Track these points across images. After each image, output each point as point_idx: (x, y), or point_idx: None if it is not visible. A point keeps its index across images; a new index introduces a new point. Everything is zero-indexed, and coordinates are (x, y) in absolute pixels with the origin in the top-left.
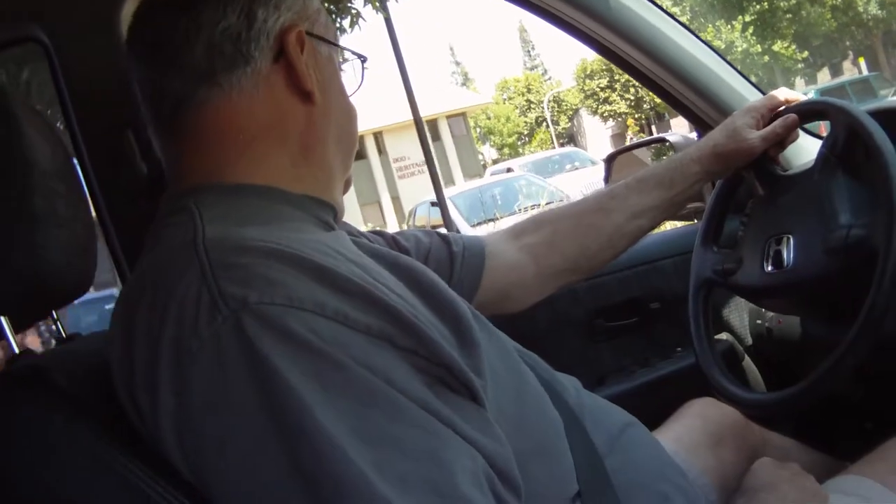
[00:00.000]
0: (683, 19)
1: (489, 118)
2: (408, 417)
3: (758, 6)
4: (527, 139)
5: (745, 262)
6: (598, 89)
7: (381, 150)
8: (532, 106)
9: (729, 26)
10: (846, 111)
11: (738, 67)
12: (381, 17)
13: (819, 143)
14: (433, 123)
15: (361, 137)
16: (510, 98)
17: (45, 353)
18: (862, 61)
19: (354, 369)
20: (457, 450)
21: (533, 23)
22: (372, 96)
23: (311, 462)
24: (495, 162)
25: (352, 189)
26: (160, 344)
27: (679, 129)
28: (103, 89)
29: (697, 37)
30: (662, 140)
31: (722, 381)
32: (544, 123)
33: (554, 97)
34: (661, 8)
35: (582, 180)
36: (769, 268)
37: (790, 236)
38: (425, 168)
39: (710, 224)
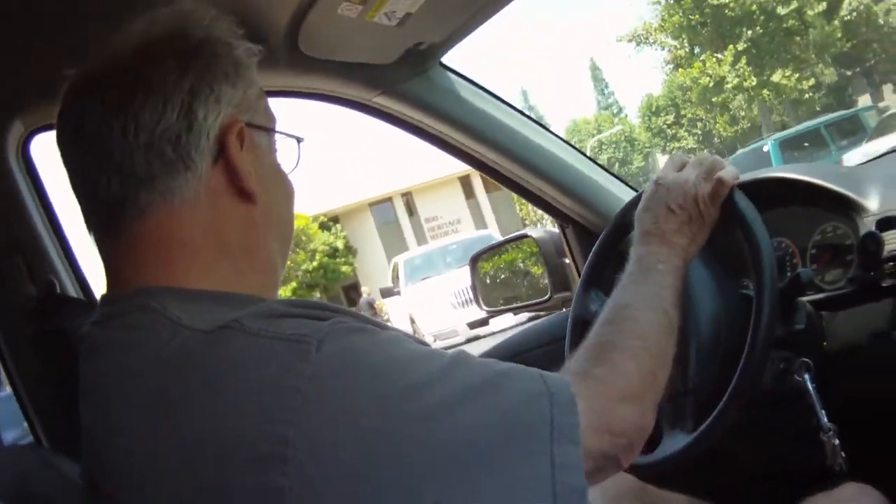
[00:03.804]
0: (682, 53)
1: None
2: None
3: (749, 32)
4: None
5: None
6: (664, 126)
7: (412, 212)
8: (604, 147)
9: (715, 59)
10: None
11: (730, 105)
12: None
13: None
14: (466, 180)
15: (390, 199)
16: (581, 141)
17: None
18: None
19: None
20: None
21: (605, 60)
22: (399, 155)
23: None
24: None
25: (381, 250)
26: (247, 413)
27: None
28: None
29: (561, 138)
30: (525, 236)
31: None
32: (616, 164)
33: (626, 137)
34: (523, 114)
35: None
36: None
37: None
38: (458, 227)
39: (593, 270)
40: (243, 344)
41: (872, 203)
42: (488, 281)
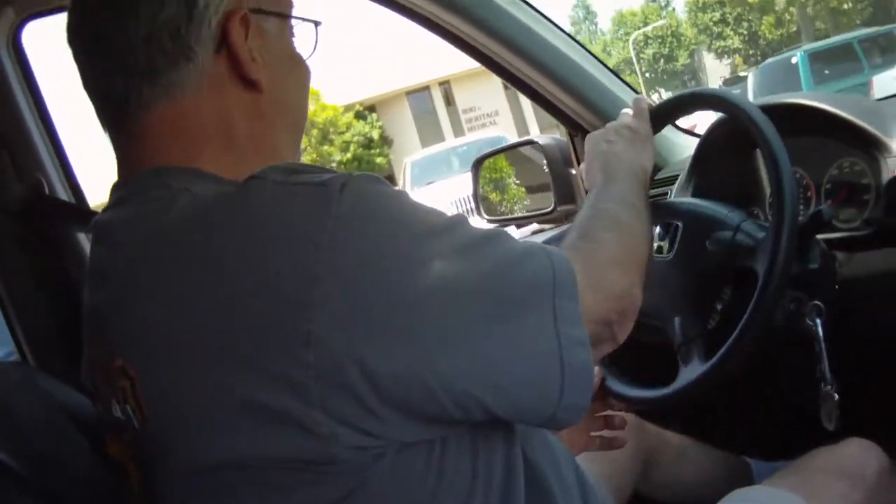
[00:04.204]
0: None
1: None
2: None
3: None
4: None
5: None
6: (711, 23)
7: (449, 101)
8: (649, 42)
9: None
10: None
11: (776, 8)
12: None
13: (692, 139)
14: None
15: (427, 88)
16: (627, 34)
17: None
18: None
19: None
20: None
21: None
22: (438, 42)
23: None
24: None
25: (417, 141)
26: (280, 263)
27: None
28: None
29: (575, 40)
30: (531, 142)
31: (608, 377)
32: (661, 61)
33: (672, 32)
34: (537, 11)
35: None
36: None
37: (680, 225)
38: (497, 119)
39: None
40: (269, 191)
41: None
42: (491, 187)
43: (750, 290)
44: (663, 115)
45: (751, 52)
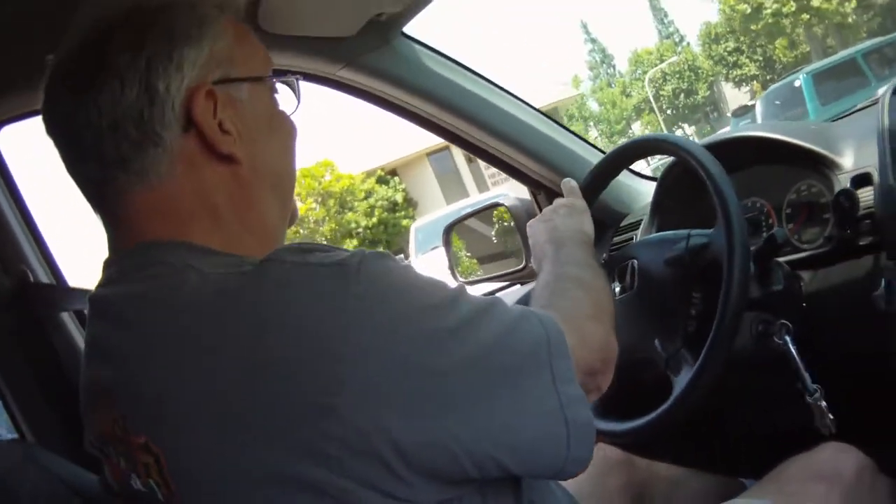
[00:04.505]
0: None
1: (600, 105)
2: None
3: None
4: (636, 118)
5: None
6: (725, 53)
7: (471, 158)
8: (667, 78)
9: None
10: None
11: (785, 30)
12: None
13: (653, 184)
14: None
15: (447, 147)
16: (644, 72)
17: None
18: None
19: None
20: None
21: None
22: None
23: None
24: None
25: (441, 201)
26: (304, 347)
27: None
28: None
29: (530, 105)
30: (497, 205)
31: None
32: (682, 96)
33: (689, 66)
34: (491, 82)
35: None
36: (617, 289)
37: (635, 261)
38: None
39: None
40: (289, 273)
41: (847, 160)
42: (463, 251)
43: (718, 283)
44: (601, 180)
45: (768, 77)
